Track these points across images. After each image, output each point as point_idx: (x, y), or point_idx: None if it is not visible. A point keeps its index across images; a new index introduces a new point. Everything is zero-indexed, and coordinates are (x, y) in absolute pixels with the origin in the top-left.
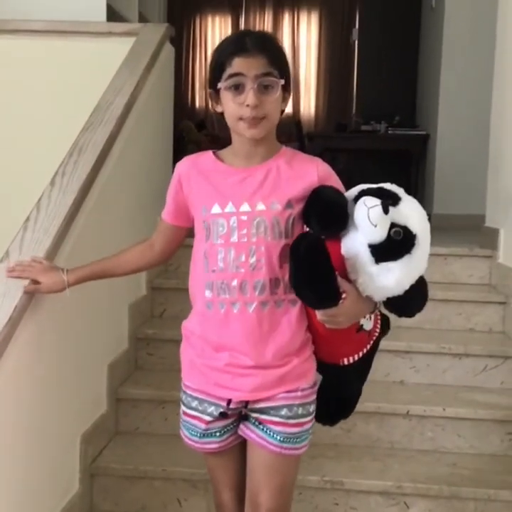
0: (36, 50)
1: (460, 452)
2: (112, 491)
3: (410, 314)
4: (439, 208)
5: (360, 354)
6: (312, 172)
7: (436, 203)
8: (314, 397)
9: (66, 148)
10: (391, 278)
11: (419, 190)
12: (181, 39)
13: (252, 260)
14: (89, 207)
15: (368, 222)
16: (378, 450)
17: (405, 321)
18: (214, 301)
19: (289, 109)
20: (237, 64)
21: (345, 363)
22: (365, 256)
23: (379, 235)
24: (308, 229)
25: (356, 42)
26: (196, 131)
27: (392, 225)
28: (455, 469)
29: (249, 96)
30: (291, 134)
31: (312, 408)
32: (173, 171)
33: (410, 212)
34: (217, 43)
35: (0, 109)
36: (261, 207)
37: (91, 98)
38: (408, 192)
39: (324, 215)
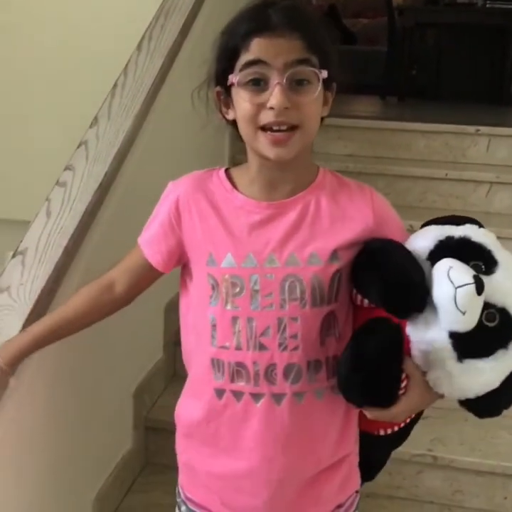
0: None
1: None
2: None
3: (495, 414)
4: None
5: (402, 424)
6: (366, 209)
7: None
8: (358, 496)
9: (152, 13)
10: (478, 380)
11: None
12: None
13: (283, 337)
14: (177, 72)
15: (454, 307)
16: None
17: (494, 207)
18: (226, 389)
19: None
20: (258, 47)
21: (381, 433)
22: (446, 349)
23: (467, 323)
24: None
25: None
26: None
27: (485, 305)
28: None
29: (275, 94)
30: (378, 8)
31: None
32: None
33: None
34: None
35: None
36: (295, 261)
37: None
38: (503, 75)
39: (395, 297)
